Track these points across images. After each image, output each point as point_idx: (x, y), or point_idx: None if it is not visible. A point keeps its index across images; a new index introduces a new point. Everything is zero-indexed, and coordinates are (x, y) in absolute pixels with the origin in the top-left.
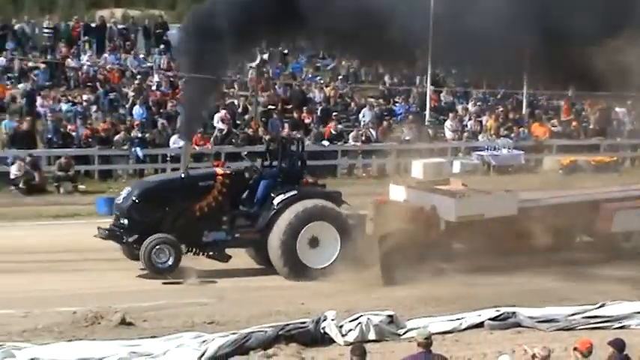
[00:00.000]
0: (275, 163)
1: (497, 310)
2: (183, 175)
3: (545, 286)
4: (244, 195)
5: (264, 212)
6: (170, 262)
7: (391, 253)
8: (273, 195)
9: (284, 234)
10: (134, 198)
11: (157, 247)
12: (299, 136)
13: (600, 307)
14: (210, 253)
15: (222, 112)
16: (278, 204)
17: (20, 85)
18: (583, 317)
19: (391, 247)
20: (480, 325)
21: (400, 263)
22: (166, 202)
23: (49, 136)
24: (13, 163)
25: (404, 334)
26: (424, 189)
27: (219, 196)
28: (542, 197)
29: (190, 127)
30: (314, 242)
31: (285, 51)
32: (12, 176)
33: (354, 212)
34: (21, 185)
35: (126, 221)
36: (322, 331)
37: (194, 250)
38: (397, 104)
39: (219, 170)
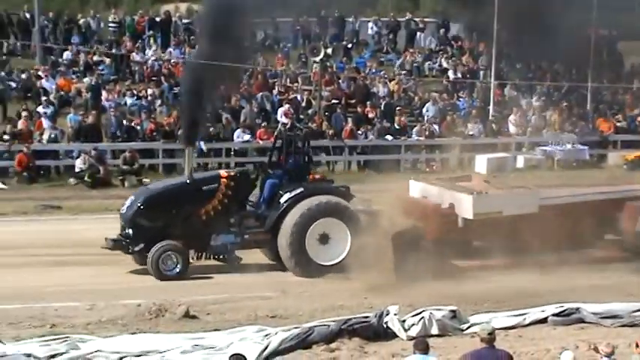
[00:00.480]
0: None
1: (561, 306)
2: (187, 180)
3: (608, 282)
4: (250, 195)
5: (272, 212)
6: (178, 269)
7: (404, 250)
8: (280, 193)
9: (292, 233)
10: (138, 206)
11: (164, 254)
12: (303, 131)
13: None
14: (220, 257)
15: (286, 106)
16: (285, 202)
17: (85, 79)
18: None
19: (404, 243)
20: (544, 320)
21: (414, 260)
22: (171, 208)
23: (113, 129)
24: (78, 157)
25: (467, 329)
26: (443, 186)
27: (224, 199)
28: (565, 194)
29: (191, 131)
30: (324, 239)
31: (349, 45)
32: (77, 169)
33: (370, 208)
34: (86, 179)
35: (131, 231)
36: (385, 325)
37: (203, 254)
38: (461, 99)
39: (222, 172)
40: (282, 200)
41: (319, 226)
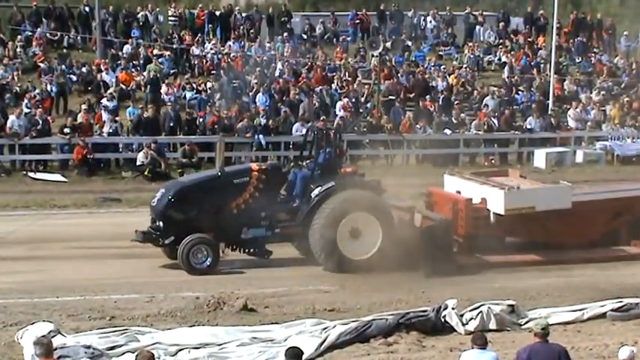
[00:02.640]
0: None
1: (620, 301)
2: (218, 173)
3: None
4: (282, 189)
5: (303, 205)
6: (208, 262)
7: (433, 244)
8: (311, 187)
9: (323, 227)
10: (169, 198)
11: (195, 247)
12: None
13: None
14: (251, 250)
15: (345, 100)
16: (316, 196)
17: (145, 73)
18: None
19: (433, 238)
20: (603, 316)
21: (442, 255)
22: (202, 201)
23: (172, 123)
24: (140, 151)
25: (525, 324)
26: (476, 180)
27: (255, 192)
28: (600, 190)
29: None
30: (355, 233)
31: (409, 43)
32: (138, 163)
33: (403, 203)
34: (146, 173)
35: (161, 223)
36: (443, 319)
37: (234, 247)
38: (520, 93)
39: (254, 166)
40: (313, 194)
41: (350, 220)
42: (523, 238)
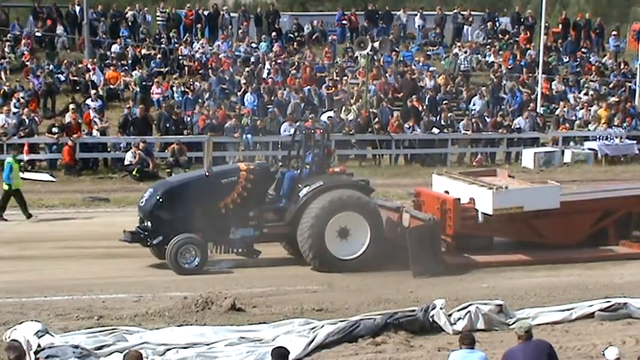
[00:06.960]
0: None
1: (608, 301)
2: (207, 173)
3: None
4: (270, 189)
5: (291, 205)
6: (197, 262)
7: (421, 244)
8: (299, 187)
9: (311, 226)
10: (157, 198)
11: (183, 247)
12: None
13: None
14: (239, 250)
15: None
16: (304, 196)
17: (134, 73)
18: None
19: (421, 238)
20: (591, 315)
21: (431, 255)
22: (190, 201)
23: (167, 124)
24: (126, 150)
25: (513, 324)
26: (464, 180)
27: (243, 192)
28: (588, 190)
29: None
30: (344, 233)
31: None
32: (127, 162)
33: (391, 202)
34: (134, 173)
35: (149, 223)
36: (431, 319)
37: (222, 248)
38: (508, 93)
39: (242, 165)
40: (301, 194)
41: (339, 219)
42: (511, 238)
